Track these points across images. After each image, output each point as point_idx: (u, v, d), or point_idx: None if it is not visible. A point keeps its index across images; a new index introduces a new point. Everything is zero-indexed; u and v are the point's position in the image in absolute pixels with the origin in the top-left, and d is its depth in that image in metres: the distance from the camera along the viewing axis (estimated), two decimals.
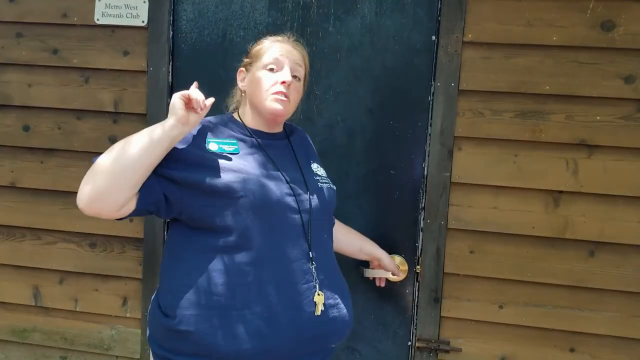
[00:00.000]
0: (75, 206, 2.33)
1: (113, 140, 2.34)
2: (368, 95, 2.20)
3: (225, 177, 1.53)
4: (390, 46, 2.17)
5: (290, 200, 1.59)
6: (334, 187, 1.78)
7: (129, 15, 2.28)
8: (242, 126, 1.70)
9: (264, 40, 1.73)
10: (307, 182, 1.67)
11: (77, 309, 2.44)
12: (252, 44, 1.77)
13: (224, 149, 1.60)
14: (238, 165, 1.57)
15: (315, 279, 1.59)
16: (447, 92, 2.13)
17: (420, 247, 2.22)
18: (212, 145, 1.59)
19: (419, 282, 2.23)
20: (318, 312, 1.57)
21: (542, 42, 2.08)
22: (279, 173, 1.62)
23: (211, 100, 1.57)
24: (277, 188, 1.58)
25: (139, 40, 2.31)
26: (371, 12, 2.16)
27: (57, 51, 2.36)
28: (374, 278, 2.16)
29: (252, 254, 1.53)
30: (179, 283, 1.55)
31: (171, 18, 2.28)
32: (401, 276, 2.15)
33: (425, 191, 2.18)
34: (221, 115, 1.76)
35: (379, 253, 2.06)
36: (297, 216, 1.59)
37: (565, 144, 2.10)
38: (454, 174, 2.17)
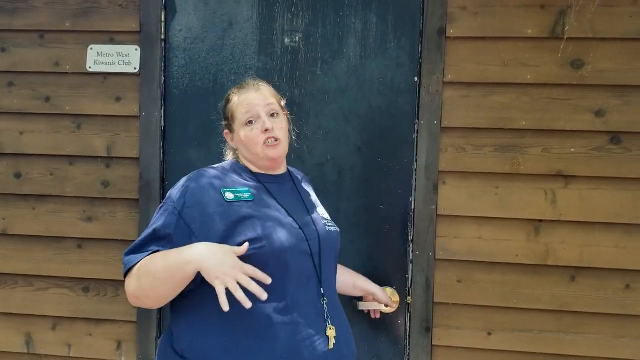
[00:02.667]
0: (68, 251, 2.42)
1: (106, 185, 2.39)
2: (356, 134, 2.29)
3: (250, 230, 1.57)
4: (376, 87, 2.28)
5: (304, 245, 1.65)
6: (338, 230, 1.84)
7: (121, 63, 2.35)
8: (248, 172, 1.76)
9: (231, 98, 1.81)
10: (316, 226, 1.73)
11: (71, 355, 2.43)
12: (221, 103, 1.86)
13: (240, 197, 1.64)
14: (257, 214, 1.61)
15: (327, 315, 1.66)
16: (430, 130, 2.24)
17: (410, 278, 2.29)
18: (229, 195, 1.63)
19: (410, 312, 2.30)
20: (331, 346, 1.63)
21: (517, 81, 2.21)
22: (291, 219, 1.67)
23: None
24: (292, 234, 1.63)
25: (131, 87, 2.37)
26: (356, 55, 2.28)
27: (49, 99, 2.41)
28: (368, 311, 2.22)
29: (272, 298, 1.55)
30: (198, 328, 1.59)
31: (163, 64, 2.36)
32: (394, 307, 2.22)
33: (414, 224, 2.27)
34: (226, 162, 1.83)
35: (372, 288, 2.13)
36: (309, 259, 1.66)
37: (543, 176, 2.22)
38: (439, 207, 2.26)
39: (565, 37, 2.17)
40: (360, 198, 2.30)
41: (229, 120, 1.80)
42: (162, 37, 2.35)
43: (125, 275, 1.62)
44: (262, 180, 1.74)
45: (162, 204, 1.66)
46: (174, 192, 1.66)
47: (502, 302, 2.25)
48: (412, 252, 2.28)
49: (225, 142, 1.90)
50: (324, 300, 1.68)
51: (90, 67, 2.37)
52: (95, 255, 2.41)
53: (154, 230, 1.59)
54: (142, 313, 2.38)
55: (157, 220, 1.61)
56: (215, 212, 1.59)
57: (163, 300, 1.59)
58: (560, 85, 2.19)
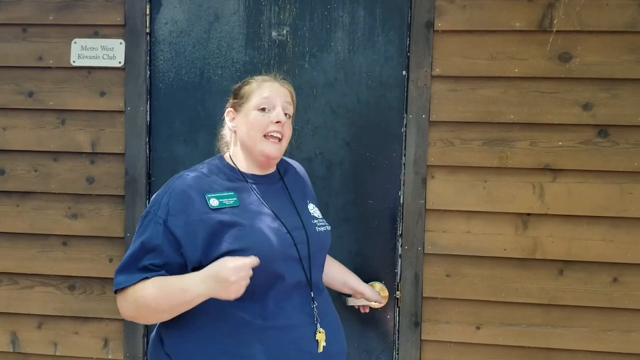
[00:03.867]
0: (53, 248, 2.38)
1: (91, 181, 2.36)
2: (344, 128, 2.28)
3: (235, 239, 1.55)
4: (364, 81, 2.26)
5: (291, 250, 1.62)
6: (329, 228, 1.81)
7: (105, 57, 2.32)
8: (236, 171, 1.71)
9: (252, 81, 1.75)
10: (305, 227, 1.70)
11: (57, 353, 2.41)
12: (238, 84, 1.80)
13: (225, 203, 1.60)
14: (243, 221, 1.58)
15: (317, 318, 1.64)
16: (418, 124, 2.23)
17: (399, 273, 2.29)
18: (213, 201, 1.59)
19: (399, 307, 2.29)
20: (320, 349, 1.62)
21: (505, 74, 2.20)
22: (279, 222, 1.64)
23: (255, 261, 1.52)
24: (279, 240, 1.60)
25: (116, 81, 2.34)
26: (344, 49, 2.26)
27: (33, 94, 2.37)
28: (358, 306, 2.21)
29: (259, 304, 1.56)
30: (184, 332, 1.58)
31: (148, 58, 2.33)
32: (383, 303, 2.21)
33: (402, 219, 2.27)
34: (210, 160, 1.77)
35: (361, 287, 2.10)
36: (298, 264, 1.64)
37: (531, 169, 2.22)
38: (428, 201, 2.26)
39: (554, 30, 2.17)
40: (349, 193, 2.29)
41: (241, 99, 1.73)
42: (147, 30, 2.32)
43: (116, 292, 1.61)
44: (250, 181, 1.70)
45: (145, 213, 1.62)
46: (157, 199, 1.62)
47: (490, 296, 2.25)
48: (401, 246, 2.27)
49: (218, 137, 1.85)
50: (313, 303, 1.66)
51: (74, 62, 2.34)
52: (80, 252, 2.38)
53: (142, 243, 1.56)
54: None
55: (143, 232, 1.58)
56: (200, 220, 1.56)
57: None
58: (548, 78, 2.19)
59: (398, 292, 2.29)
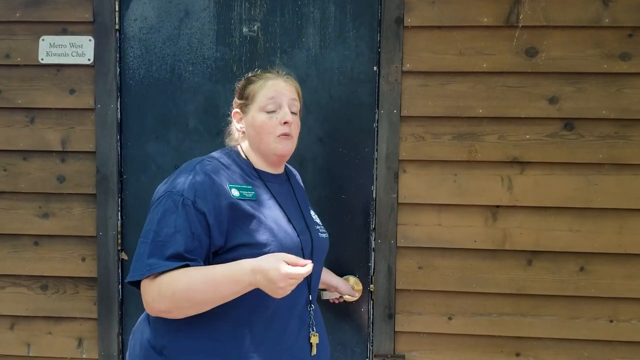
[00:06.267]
0: (25, 248, 2.36)
1: (61, 180, 2.33)
2: (317, 124, 2.30)
3: (255, 232, 1.53)
4: (336, 77, 2.28)
5: (299, 254, 1.59)
6: (327, 234, 1.82)
7: (74, 54, 2.29)
8: (251, 167, 1.67)
9: (255, 79, 1.71)
10: (310, 232, 1.70)
11: (30, 354, 2.39)
12: (241, 82, 1.75)
13: (245, 195, 1.57)
14: (261, 216, 1.56)
15: (312, 322, 1.67)
16: (390, 119, 2.26)
17: (372, 266, 2.32)
18: (235, 191, 1.55)
19: (373, 300, 2.32)
20: (314, 352, 1.65)
21: (473, 69, 2.24)
22: (291, 224, 1.63)
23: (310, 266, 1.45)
24: (291, 239, 1.60)
25: (86, 78, 2.32)
26: (315, 45, 2.27)
27: (0, 92, 2.34)
28: (333, 300, 2.23)
29: (259, 306, 1.55)
30: (180, 328, 1.54)
31: (118, 55, 2.31)
32: (357, 296, 2.24)
33: (375, 213, 2.29)
34: (226, 151, 1.71)
35: (335, 281, 2.15)
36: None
37: (500, 162, 2.26)
38: (400, 195, 2.29)
39: (520, 25, 2.21)
40: (323, 188, 2.31)
41: (246, 99, 1.69)
42: (117, 27, 2.30)
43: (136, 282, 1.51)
44: (264, 179, 1.68)
45: (163, 193, 1.53)
46: (176, 181, 1.54)
47: (461, 287, 2.30)
48: (374, 240, 2.30)
49: (227, 134, 1.81)
50: (310, 307, 1.68)
51: (42, 59, 2.31)
52: (52, 252, 2.36)
53: (174, 225, 1.47)
54: (103, 310, 2.35)
55: (169, 213, 1.48)
56: (226, 205, 1.52)
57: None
58: (515, 73, 2.23)
59: (372, 285, 2.32)
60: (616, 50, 2.19)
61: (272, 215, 1.60)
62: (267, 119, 1.65)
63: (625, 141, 2.21)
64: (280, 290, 1.41)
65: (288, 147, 1.67)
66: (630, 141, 2.21)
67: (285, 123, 1.65)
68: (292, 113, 1.68)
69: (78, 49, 2.29)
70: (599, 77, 2.21)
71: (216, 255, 1.54)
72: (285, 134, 1.65)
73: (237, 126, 1.73)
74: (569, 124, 2.23)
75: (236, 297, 1.47)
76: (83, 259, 2.35)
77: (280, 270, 1.39)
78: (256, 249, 1.50)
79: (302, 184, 1.94)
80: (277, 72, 1.74)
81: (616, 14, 2.17)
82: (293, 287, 1.43)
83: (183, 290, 1.43)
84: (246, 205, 1.54)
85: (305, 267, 1.42)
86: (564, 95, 2.22)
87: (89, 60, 2.30)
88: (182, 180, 1.53)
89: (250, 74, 1.76)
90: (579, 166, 2.24)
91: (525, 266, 2.28)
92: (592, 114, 2.22)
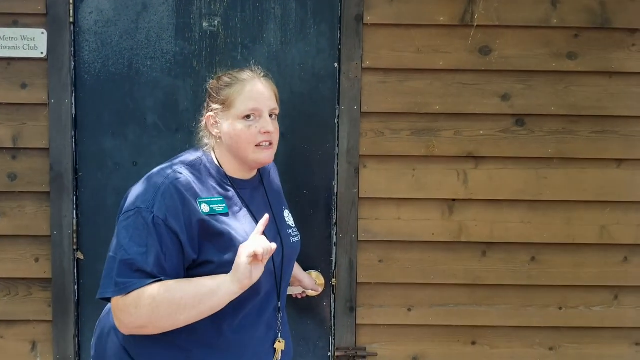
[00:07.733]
0: None
1: (13, 178, 2.24)
2: (279, 120, 2.26)
3: (224, 249, 1.52)
4: (297, 73, 2.29)
5: (269, 263, 1.58)
6: (300, 237, 1.82)
7: (26, 47, 2.20)
8: (223, 176, 1.63)
9: (231, 82, 1.63)
10: (282, 239, 1.69)
11: None
12: (214, 83, 1.68)
13: (215, 210, 1.54)
14: (232, 230, 1.54)
15: (279, 328, 1.67)
16: (350, 115, 2.29)
17: (334, 260, 2.34)
18: (205, 207, 1.52)
19: (335, 294, 2.35)
20: (278, 357, 1.66)
21: (430, 67, 2.30)
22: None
23: (274, 245, 1.48)
24: None
25: (38, 73, 2.23)
26: (277, 41, 2.28)
27: None
28: (295, 295, 2.24)
29: (229, 314, 1.54)
30: (150, 335, 1.50)
31: (72, 49, 2.24)
32: (319, 291, 2.26)
33: (337, 208, 2.32)
34: (198, 156, 1.65)
35: (300, 275, 2.17)
36: (272, 275, 1.64)
37: (456, 157, 2.33)
38: (361, 190, 2.32)
39: (474, 24, 2.28)
40: (285, 184, 2.28)
41: (222, 105, 1.61)
42: (71, 20, 2.23)
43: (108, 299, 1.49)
44: (237, 187, 1.64)
45: (133, 209, 1.49)
46: (145, 196, 1.50)
47: (420, 279, 2.36)
48: (336, 235, 2.33)
49: (198, 136, 1.73)
50: (279, 313, 1.68)
51: None
52: (4, 252, 2.27)
53: (146, 245, 1.45)
54: (58, 312, 2.27)
55: (139, 232, 1.46)
56: (196, 222, 1.50)
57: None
58: (470, 70, 2.31)
59: (334, 279, 2.35)
60: (564, 50, 2.30)
61: (244, 228, 1.59)
62: (246, 127, 1.59)
63: (573, 136, 2.32)
64: (253, 271, 1.43)
65: (267, 156, 1.63)
66: (577, 136, 2.32)
67: (266, 133, 1.60)
68: (271, 116, 1.65)
69: (30, 42, 2.20)
70: (548, 75, 2.31)
71: (188, 270, 1.53)
72: (266, 142, 1.61)
73: (212, 131, 1.66)
74: (520, 120, 2.32)
75: (218, 309, 1.47)
76: (36, 260, 2.27)
77: (242, 256, 1.43)
78: (226, 268, 1.49)
79: (277, 178, 1.92)
80: (253, 70, 1.68)
81: (564, 15, 2.28)
82: (262, 265, 1.45)
83: (163, 301, 1.42)
84: (216, 223, 1.53)
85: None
86: (515, 92, 2.31)
87: (42, 53, 2.21)
88: (152, 196, 1.50)
89: (223, 74, 1.69)
90: (529, 160, 2.34)
91: (480, 257, 2.36)
92: (541, 111, 2.32)
